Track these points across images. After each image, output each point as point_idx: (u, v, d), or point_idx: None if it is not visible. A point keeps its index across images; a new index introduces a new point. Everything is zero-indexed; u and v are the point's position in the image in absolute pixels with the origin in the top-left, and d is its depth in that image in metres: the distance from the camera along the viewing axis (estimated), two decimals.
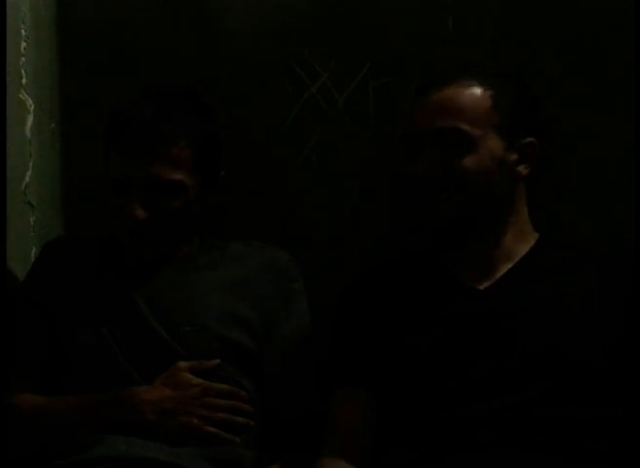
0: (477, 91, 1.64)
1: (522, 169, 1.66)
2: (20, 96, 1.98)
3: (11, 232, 1.87)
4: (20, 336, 1.76)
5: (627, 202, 1.80)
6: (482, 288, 1.64)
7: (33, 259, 1.96)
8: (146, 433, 1.62)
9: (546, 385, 1.53)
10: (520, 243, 1.68)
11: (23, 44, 1.98)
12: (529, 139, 1.66)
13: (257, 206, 1.98)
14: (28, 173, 1.99)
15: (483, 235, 1.66)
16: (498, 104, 1.64)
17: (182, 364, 1.68)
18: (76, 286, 1.77)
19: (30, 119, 2.00)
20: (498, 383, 1.54)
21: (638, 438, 1.52)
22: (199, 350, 1.70)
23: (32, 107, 2.00)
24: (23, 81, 1.98)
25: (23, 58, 1.98)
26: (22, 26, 1.98)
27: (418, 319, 1.63)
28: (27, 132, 1.99)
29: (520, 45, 1.89)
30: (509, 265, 1.66)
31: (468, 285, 1.65)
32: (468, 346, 1.57)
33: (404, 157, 1.70)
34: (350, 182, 1.96)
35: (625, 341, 1.57)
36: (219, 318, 1.72)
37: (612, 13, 1.85)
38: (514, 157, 1.65)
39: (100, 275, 1.78)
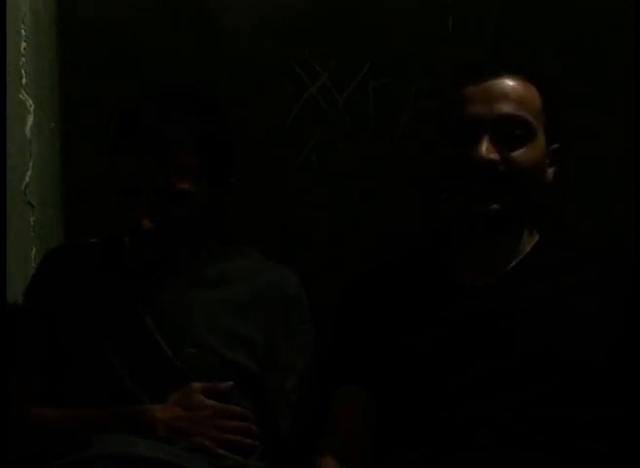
0: (532, 87, 1.64)
1: (550, 173, 1.67)
2: (20, 96, 1.98)
3: (11, 232, 1.86)
4: (22, 340, 1.75)
5: (627, 202, 1.80)
6: (482, 287, 1.63)
7: (33, 259, 1.96)
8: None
9: (546, 385, 1.53)
10: (521, 243, 1.68)
11: (23, 44, 1.98)
12: (556, 146, 1.67)
13: (257, 206, 1.98)
14: (28, 173, 1.99)
15: (484, 234, 1.66)
16: (546, 106, 1.64)
17: (196, 385, 1.67)
18: (77, 289, 1.76)
19: (30, 119, 2.00)
20: (498, 383, 1.53)
21: (638, 438, 1.52)
22: (201, 369, 1.69)
23: (32, 107, 2.00)
24: (23, 81, 1.98)
25: (23, 59, 1.98)
26: (22, 26, 1.98)
27: (417, 319, 1.62)
28: (27, 132, 1.99)
29: (520, 45, 1.89)
30: (509, 265, 1.65)
31: (468, 284, 1.64)
32: (468, 346, 1.57)
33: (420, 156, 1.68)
34: (350, 182, 1.96)
35: (625, 341, 1.57)
36: (222, 338, 1.71)
37: (612, 13, 1.86)
38: (548, 160, 1.65)
39: (100, 276, 1.77)
